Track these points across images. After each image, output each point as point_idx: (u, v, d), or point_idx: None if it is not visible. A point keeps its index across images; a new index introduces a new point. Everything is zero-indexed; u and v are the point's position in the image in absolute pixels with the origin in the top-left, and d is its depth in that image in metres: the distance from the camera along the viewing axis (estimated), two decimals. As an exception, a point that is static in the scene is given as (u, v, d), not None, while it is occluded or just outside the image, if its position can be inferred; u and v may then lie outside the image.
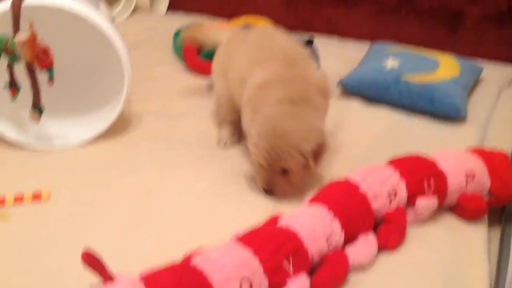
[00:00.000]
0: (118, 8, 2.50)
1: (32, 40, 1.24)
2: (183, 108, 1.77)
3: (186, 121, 1.69)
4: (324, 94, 1.43)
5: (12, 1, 1.34)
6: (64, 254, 1.14)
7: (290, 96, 1.33)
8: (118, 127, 1.61)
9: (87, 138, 1.56)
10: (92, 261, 0.88)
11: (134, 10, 2.54)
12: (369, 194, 1.21)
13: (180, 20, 2.42)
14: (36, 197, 1.31)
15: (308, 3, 2.41)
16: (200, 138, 1.61)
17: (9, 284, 1.07)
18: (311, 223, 1.11)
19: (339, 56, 2.15)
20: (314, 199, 1.21)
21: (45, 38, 1.30)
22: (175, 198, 1.35)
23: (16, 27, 1.33)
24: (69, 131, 1.57)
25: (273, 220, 1.18)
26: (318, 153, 1.32)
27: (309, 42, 1.91)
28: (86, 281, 0.91)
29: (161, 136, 1.61)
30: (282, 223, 1.13)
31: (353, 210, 1.18)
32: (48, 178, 1.39)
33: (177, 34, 2.16)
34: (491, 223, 1.31)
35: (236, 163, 1.49)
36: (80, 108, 1.66)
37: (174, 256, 1.03)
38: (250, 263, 1.00)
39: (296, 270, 1.05)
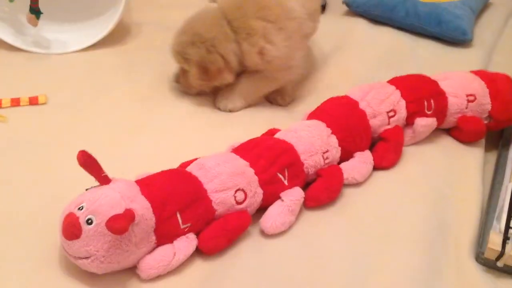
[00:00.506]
0: None
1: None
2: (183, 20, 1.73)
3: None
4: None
5: None
6: (60, 156, 1.14)
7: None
8: (117, 35, 1.58)
9: (85, 44, 1.53)
10: (87, 162, 0.88)
11: None
12: (368, 111, 1.20)
13: None
14: (33, 100, 1.30)
15: None
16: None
17: (3, 186, 1.07)
18: (308, 137, 1.11)
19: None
20: (312, 114, 1.21)
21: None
22: (172, 108, 1.35)
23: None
24: (67, 37, 1.54)
25: (270, 133, 1.18)
26: (206, 68, 1.29)
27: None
28: (83, 184, 0.91)
29: (160, 46, 1.57)
30: (279, 135, 1.13)
31: (351, 126, 1.17)
32: (45, 83, 1.37)
33: None
34: (488, 147, 1.31)
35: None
36: (78, 14, 1.62)
37: (169, 165, 1.03)
38: (245, 173, 1.01)
39: (291, 183, 1.06)
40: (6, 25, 1.49)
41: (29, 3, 1.41)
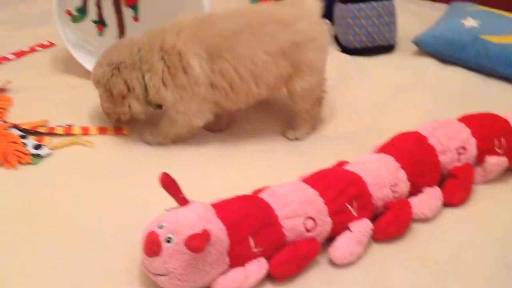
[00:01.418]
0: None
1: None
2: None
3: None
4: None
5: None
6: (140, 180, 1.22)
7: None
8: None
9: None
10: (169, 183, 0.94)
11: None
12: (438, 148, 1.21)
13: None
14: (118, 131, 1.40)
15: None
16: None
17: (88, 207, 1.15)
18: (377, 169, 1.13)
19: (416, 14, 2.11)
20: (382, 148, 1.23)
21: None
22: (249, 140, 1.41)
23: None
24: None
25: (339, 165, 1.20)
26: (110, 92, 1.30)
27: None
28: (161, 205, 0.97)
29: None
30: (347, 167, 1.15)
31: (420, 161, 1.18)
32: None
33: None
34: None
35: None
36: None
37: (241, 192, 1.07)
38: (315, 202, 1.04)
39: (360, 214, 1.07)
40: (94, 59, 1.58)
41: (116, 36, 1.50)
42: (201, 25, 1.28)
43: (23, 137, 1.31)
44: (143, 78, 1.28)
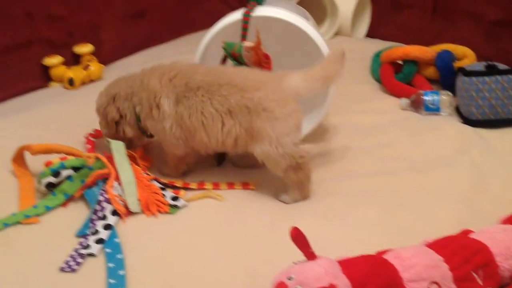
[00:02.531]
0: (322, 29, 2.67)
1: (258, 46, 1.41)
2: (376, 124, 1.86)
3: (380, 136, 1.78)
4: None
5: (244, 12, 1.55)
6: (266, 233, 1.31)
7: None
8: (314, 134, 1.75)
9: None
10: (299, 237, 1.00)
11: (335, 33, 2.69)
12: None
13: (378, 44, 2.51)
14: (245, 185, 1.51)
15: (510, 34, 2.36)
16: (391, 151, 1.69)
17: (218, 257, 1.24)
18: (504, 240, 1.13)
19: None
20: (509, 219, 1.22)
21: (266, 46, 1.47)
22: (364, 201, 1.46)
23: (244, 34, 1.52)
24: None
25: (464, 233, 1.21)
26: (106, 118, 1.56)
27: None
28: (285, 258, 1.03)
29: (353, 146, 1.72)
30: (473, 236, 1.16)
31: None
32: (253, 173, 1.56)
33: (377, 55, 2.25)
34: None
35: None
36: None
37: (364, 251, 1.11)
38: (440, 267, 1.05)
39: (485, 283, 1.07)
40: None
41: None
42: (182, 72, 1.46)
43: (162, 189, 1.44)
44: (134, 108, 1.51)
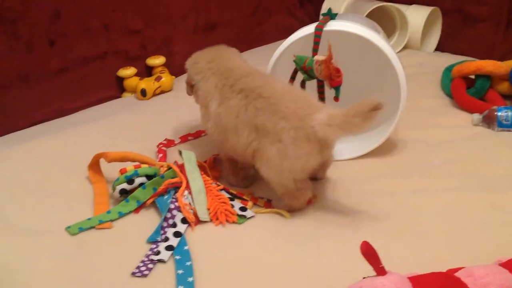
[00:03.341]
0: (391, 42, 2.65)
1: (329, 60, 1.41)
2: (447, 139, 1.82)
3: (451, 151, 1.74)
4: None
5: (316, 26, 1.56)
6: (337, 242, 1.31)
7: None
8: (384, 148, 1.73)
9: (357, 154, 1.71)
10: (369, 252, 0.99)
11: (405, 47, 2.67)
12: None
13: (449, 58, 2.47)
14: (309, 201, 1.48)
15: None
16: (462, 167, 1.65)
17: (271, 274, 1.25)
18: None
19: None
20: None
21: (337, 60, 1.47)
22: (435, 217, 1.43)
23: (316, 48, 1.54)
24: (343, 147, 1.71)
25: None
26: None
27: None
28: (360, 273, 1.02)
29: (423, 162, 1.69)
30: (551, 258, 1.12)
31: None
32: (317, 185, 1.57)
33: (448, 70, 2.22)
34: None
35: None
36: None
37: (434, 269, 1.09)
38: (514, 288, 1.02)
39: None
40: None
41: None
42: (235, 73, 1.50)
43: (231, 199, 1.47)
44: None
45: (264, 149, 1.38)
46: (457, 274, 1.05)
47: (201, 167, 1.56)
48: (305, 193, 1.43)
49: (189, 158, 1.53)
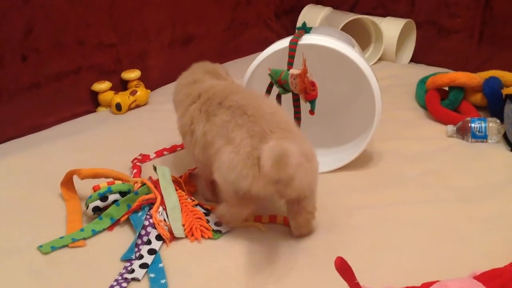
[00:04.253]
0: (366, 55, 2.67)
1: (304, 74, 1.41)
2: (422, 151, 1.83)
3: (426, 163, 1.75)
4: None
5: (291, 40, 1.56)
6: (309, 259, 1.29)
7: None
8: (360, 161, 1.73)
9: (333, 167, 1.71)
10: (343, 268, 0.99)
11: (380, 58, 2.69)
12: None
13: (424, 70, 2.49)
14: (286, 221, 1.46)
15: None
16: (437, 179, 1.66)
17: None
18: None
19: None
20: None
21: (312, 73, 1.47)
22: (411, 230, 1.43)
23: (290, 61, 1.53)
24: (318, 160, 1.70)
25: (514, 266, 1.18)
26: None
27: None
28: None
29: (398, 174, 1.69)
30: (524, 269, 1.13)
31: None
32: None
33: (422, 81, 2.23)
34: None
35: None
36: (328, 140, 1.83)
37: (409, 282, 1.09)
38: (488, 301, 1.02)
39: (536, 318, 1.04)
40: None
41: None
42: (219, 91, 1.44)
43: (206, 214, 1.45)
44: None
45: (222, 153, 1.33)
46: (432, 288, 1.05)
47: (176, 182, 1.54)
48: (241, 212, 1.36)
49: (164, 174, 1.52)
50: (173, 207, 1.43)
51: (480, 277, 1.09)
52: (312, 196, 1.37)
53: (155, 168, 1.54)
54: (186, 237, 1.39)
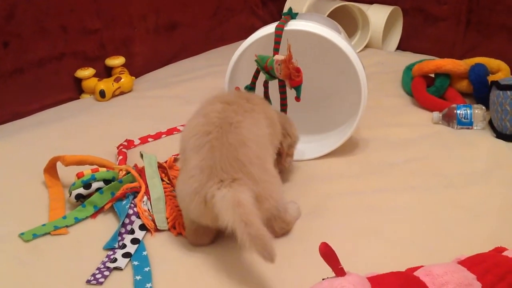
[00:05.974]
0: (352, 42, 2.66)
1: (288, 60, 1.40)
2: (407, 138, 1.83)
3: (412, 150, 1.75)
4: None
5: (277, 25, 1.55)
6: (296, 246, 1.29)
7: None
8: (346, 148, 1.73)
9: (319, 154, 1.70)
10: (328, 253, 0.98)
11: (366, 46, 2.68)
12: None
13: (410, 57, 2.49)
14: None
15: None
16: (423, 166, 1.66)
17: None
18: (540, 259, 1.09)
19: None
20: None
21: (298, 59, 1.46)
22: (396, 216, 1.43)
23: (276, 47, 1.52)
24: (305, 147, 1.71)
25: (497, 251, 1.18)
26: None
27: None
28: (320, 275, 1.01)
29: (384, 160, 1.69)
30: (507, 253, 1.13)
31: None
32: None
33: (409, 68, 2.23)
34: None
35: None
36: (314, 126, 1.82)
37: (395, 269, 1.08)
38: (472, 285, 1.01)
39: (520, 303, 1.04)
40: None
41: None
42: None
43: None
44: None
45: (179, 178, 1.29)
46: (416, 273, 1.05)
47: (161, 167, 1.52)
48: (198, 241, 1.32)
49: (150, 163, 1.50)
50: (157, 198, 1.41)
51: (465, 262, 1.09)
52: (279, 216, 1.31)
53: (142, 155, 1.52)
54: (169, 230, 1.37)
